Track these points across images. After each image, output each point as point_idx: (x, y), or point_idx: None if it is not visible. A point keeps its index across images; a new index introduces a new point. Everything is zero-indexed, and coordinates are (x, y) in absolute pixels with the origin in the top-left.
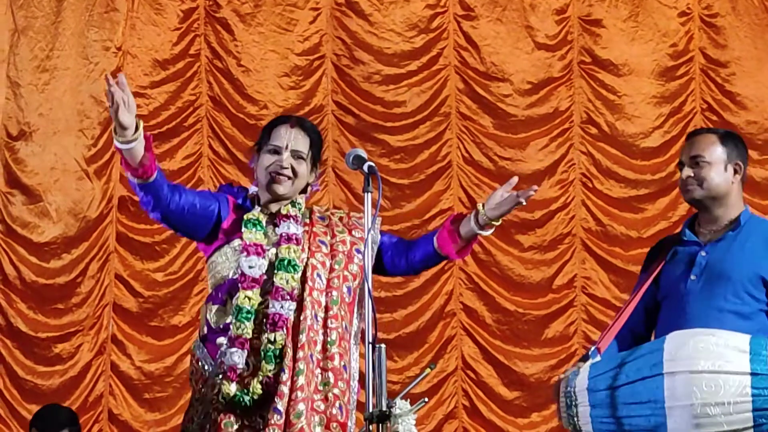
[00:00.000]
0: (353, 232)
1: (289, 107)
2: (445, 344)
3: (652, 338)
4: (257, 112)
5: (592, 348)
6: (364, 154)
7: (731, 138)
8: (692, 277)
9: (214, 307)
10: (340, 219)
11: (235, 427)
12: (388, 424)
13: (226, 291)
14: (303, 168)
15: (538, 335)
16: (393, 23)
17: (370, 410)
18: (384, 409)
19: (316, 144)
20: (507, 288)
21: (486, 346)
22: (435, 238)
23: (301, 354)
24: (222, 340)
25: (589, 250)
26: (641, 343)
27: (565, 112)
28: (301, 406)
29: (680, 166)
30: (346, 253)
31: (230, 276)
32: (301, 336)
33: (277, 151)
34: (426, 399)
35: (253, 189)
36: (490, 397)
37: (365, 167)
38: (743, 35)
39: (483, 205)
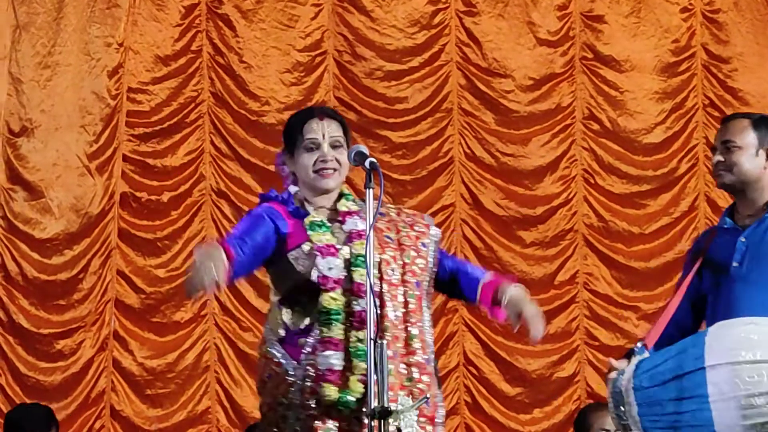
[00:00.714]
0: (415, 227)
1: (291, 103)
2: (447, 340)
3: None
4: (259, 109)
5: (639, 344)
6: (366, 150)
7: (765, 123)
8: (734, 263)
9: (290, 310)
10: (398, 214)
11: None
12: (390, 420)
13: (303, 292)
14: (344, 156)
15: None
16: (395, 19)
17: (372, 406)
18: (386, 405)
19: (347, 129)
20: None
21: (488, 342)
22: (478, 296)
23: (388, 353)
24: (304, 340)
25: (591, 246)
26: (687, 336)
27: (567, 108)
28: (392, 406)
29: (713, 150)
30: (412, 247)
31: (305, 278)
32: (386, 333)
33: (315, 147)
34: (428, 395)
35: (293, 190)
36: (492, 393)
37: (367, 163)
38: (745, 31)
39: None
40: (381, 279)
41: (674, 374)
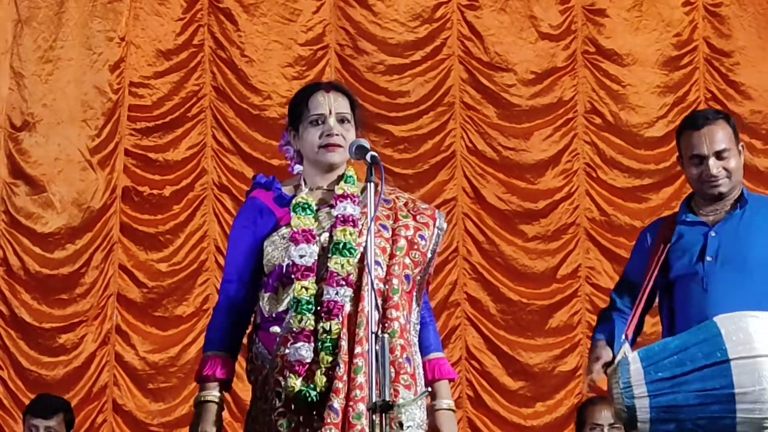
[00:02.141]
0: (417, 218)
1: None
2: (449, 334)
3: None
4: (261, 103)
5: (622, 336)
6: (367, 144)
7: (729, 117)
8: (708, 258)
9: (266, 295)
10: (405, 204)
11: (293, 425)
12: (392, 414)
13: (276, 278)
14: (351, 133)
15: (542, 325)
16: (396, 13)
17: (374, 400)
18: (387, 398)
19: (356, 106)
20: (511, 278)
21: (490, 336)
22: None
23: (359, 349)
24: (276, 329)
25: (593, 240)
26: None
27: (569, 102)
28: (362, 406)
29: (698, 159)
30: (408, 238)
31: (280, 263)
32: (358, 329)
33: (320, 121)
34: (430, 389)
35: (297, 169)
36: (494, 387)
37: (368, 157)
38: (747, 25)
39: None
40: (362, 270)
41: (694, 366)
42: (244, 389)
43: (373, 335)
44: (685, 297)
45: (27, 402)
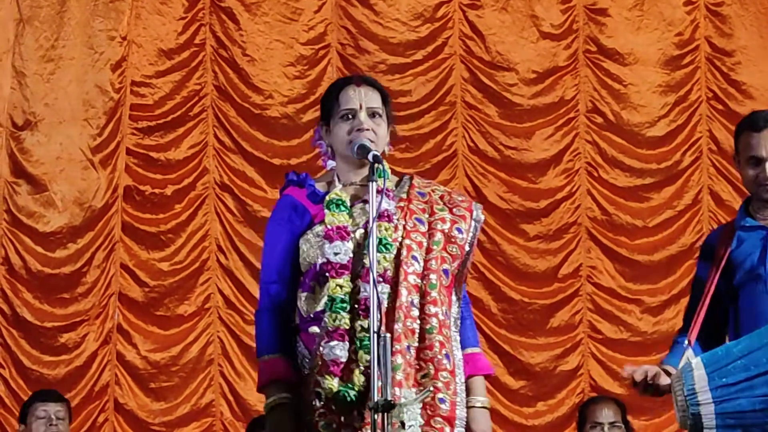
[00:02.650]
0: (454, 210)
1: (295, 97)
2: None
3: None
4: (262, 102)
5: (684, 340)
6: (369, 144)
7: None
8: None
9: (304, 295)
10: (441, 197)
11: (334, 426)
12: (393, 413)
13: (312, 277)
14: (382, 128)
15: (544, 324)
16: (398, 12)
17: (375, 399)
18: (389, 398)
19: (388, 100)
20: (512, 277)
21: (491, 336)
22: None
23: (397, 347)
24: (315, 329)
25: (595, 239)
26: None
27: (571, 102)
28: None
29: (755, 161)
30: (445, 232)
31: (316, 262)
32: (396, 325)
33: (351, 115)
34: (431, 388)
35: (330, 164)
36: (496, 386)
37: (370, 156)
38: (749, 24)
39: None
40: (399, 265)
41: (760, 370)
42: (245, 389)
43: (375, 334)
44: (750, 301)
45: None
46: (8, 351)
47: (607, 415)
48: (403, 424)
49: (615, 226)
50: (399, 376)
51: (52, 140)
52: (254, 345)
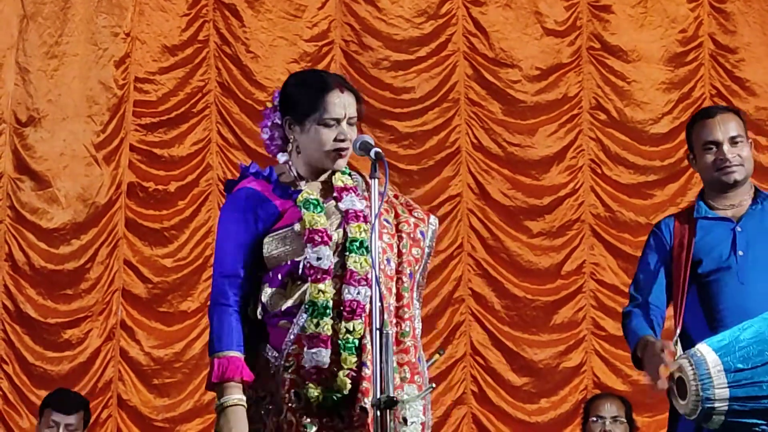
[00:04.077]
0: (414, 213)
1: None
2: (454, 330)
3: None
4: (266, 99)
5: (677, 334)
6: (371, 140)
7: (740, 112)
8: (740, 252)
9: (271, 290)
10: (396, 197)
11: (315, 428)
12: (396, 410)
13: (286, 274)
14: (355, 132)
15: (547, 321)
16: (402, 9)
17: (378, 396)
18: (391, 395)
19: (361, 102)
20: (516, 274)
21: (494, 332)
22: None
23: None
24: (286, 323)
25: (598, 236)
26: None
27: (574, 98)
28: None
29: (712, 145)
30: (411, 235)
31: (292, 259)
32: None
33: (336, 123)
34: (434, 385)
35: (282, 159)
36: (499, 383)
37: (372, 153)
38: (752, 21)
39: None
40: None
41: None
42: None
43: (377, 331)
44: (720, 290)
45: (32, 397)
46: (12, 347)
47: (609, 409)
48: (405, 420)
49: (618, 223)
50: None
51: (56, 136)
52: None
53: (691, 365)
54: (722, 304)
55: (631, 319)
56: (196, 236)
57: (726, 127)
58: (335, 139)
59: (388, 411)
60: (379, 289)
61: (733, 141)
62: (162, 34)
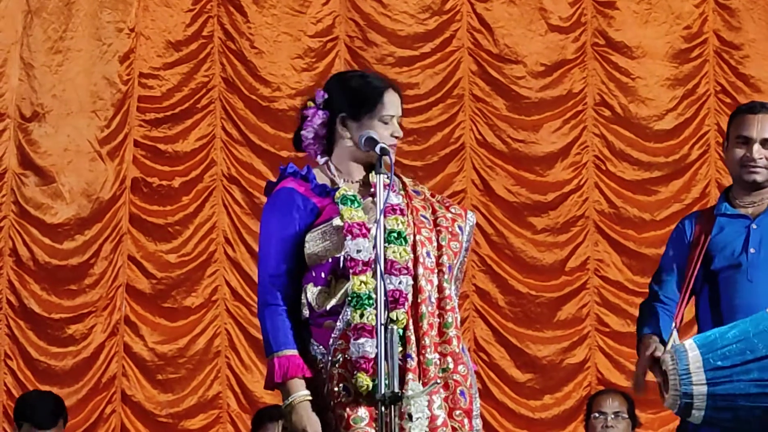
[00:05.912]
0: (451, 209)
1: (302, 89)
2: None
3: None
4: (270, 94)
5: (673, 325)
6: (377, 136)
7: None
8: (752, 249)
9: (316, 289)
10: (432, 196)
11: (366, 421)
12: (401, 406)
13: (329, 271)
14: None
15: (551, 317)
16: (406, 5)
17: (382, 392)
18: (396, 390)
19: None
20: (520, 270)
21: (498, 329)
22: None
23: (426, 341)
24: (332, 323)
25: (602, 232)
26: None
27: (579, 95)
28: (436, 398)
29: (743, 140)
30: (449, 229)
31: (333, 256)
32: (422, 321)
33: (390, 121)
34: (438, 381)
35: (322, 161)
36: (503, 379)
37: (377, 149)
38: (757, 17)
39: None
40: (416, 261)
41: (756, 356)
42: (252, 380)
43: (383, 326)
44: (730, 288)
45: None
46: (16, 342)
47: (611, 405)
48: (410, 416)
49: (622, 219)
50: (432, 370)
51: (60, 132)
52: (261, 338)
53: (673, 360)
54: (731, 301)
55: (642, 314)
56: (200, 232)
57: (763, 127)
58: (391, 136)
59: (393, 406)
60: (384, 283)
61: (765, 142)
62: (166, 30)
